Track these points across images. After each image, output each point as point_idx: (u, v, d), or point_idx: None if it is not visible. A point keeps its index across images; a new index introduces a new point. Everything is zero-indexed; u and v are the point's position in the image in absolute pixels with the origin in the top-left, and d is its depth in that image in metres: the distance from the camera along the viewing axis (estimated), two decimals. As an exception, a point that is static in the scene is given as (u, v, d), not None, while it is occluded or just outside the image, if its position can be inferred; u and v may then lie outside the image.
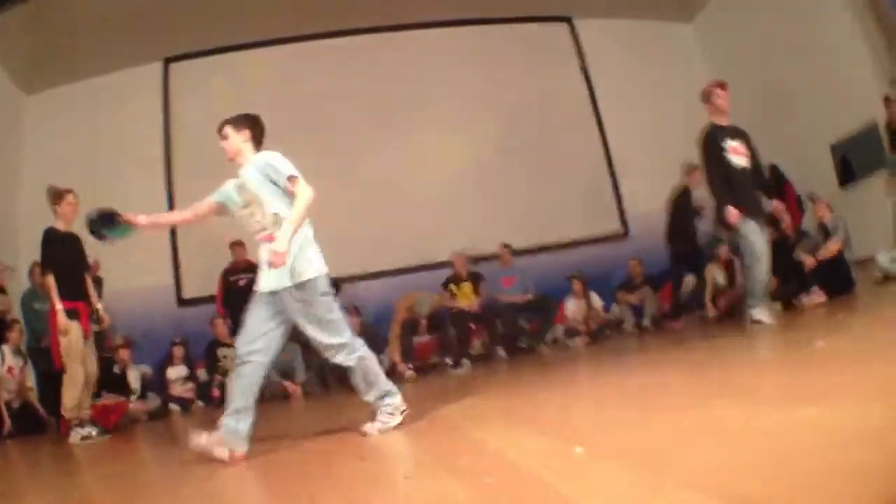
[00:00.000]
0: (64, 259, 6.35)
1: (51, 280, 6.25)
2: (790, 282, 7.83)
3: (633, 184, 11.52)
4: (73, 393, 6.29)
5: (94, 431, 6.28)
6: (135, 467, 4.87)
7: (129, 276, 9.76)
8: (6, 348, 7.82)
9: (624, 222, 11.69)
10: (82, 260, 6.64)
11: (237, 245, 9.53)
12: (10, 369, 7.81)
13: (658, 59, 12.01)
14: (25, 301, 8.80)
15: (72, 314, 6.30)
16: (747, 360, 4.79)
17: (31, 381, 8.23)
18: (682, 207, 9.24)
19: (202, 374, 9.03)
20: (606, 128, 11.93)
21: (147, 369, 9.08)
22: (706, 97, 6.90)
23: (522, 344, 9.50)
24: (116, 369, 8.27)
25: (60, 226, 6.43)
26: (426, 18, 11.79)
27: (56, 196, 6.43)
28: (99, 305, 6.69)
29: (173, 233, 10.65)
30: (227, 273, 9.54)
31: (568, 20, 12.34)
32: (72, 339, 6.27)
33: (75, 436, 6.21)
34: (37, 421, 7.82)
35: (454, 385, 7.15)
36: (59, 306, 6.21)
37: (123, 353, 8.48)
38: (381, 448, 3.70)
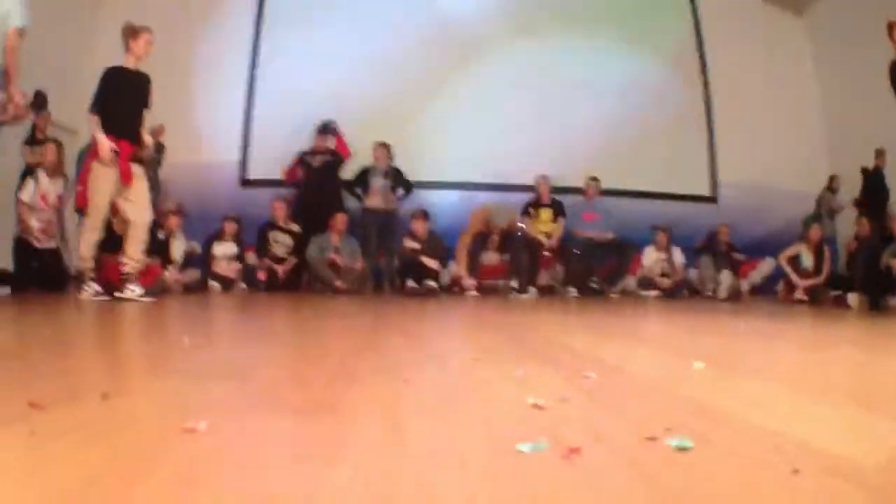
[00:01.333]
0: (119, 95, 5.68)
1: (94, 117, 5.59)
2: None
3: (729, 152, 10.85)
4: (88, 240, 5.69)
5: (138, 291, 5.66)
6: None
7: (194, 150, 9.34)
8: (41, 171, 7.16)
9: (714, 188, 10.97)
10: (143, 99, 5.94)
11: (321, 132, 9.12)
12: (43, 197, 7.16)
13: (771, 43, 11.29)
14: (81, 157, 8.31)
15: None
16: None
17: (73, 219, 7.63)
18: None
19: (251, 256, 8.38)
20: (712, 90, 11.14)
21: (196, 246, 8.52)
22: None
23: (594, 285, 8.81)
24: (161, 235, 7.67)
25: (130, 62, 5.78)
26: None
27: (133, 31, 5.77)
28: (146, 136, 6.02)
29: (248, 108, 10.15)
30: (304, 154, 9.06)
31: None
32: (97, 182, 5.66)
33: (87, 291, 5.60)
34: (57, 273, 7.19)
35: (524, 305, 6.56)
36: (101, 136, 5.54)
37: (172, 221, 7.84)
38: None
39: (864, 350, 3.52)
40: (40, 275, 6.87)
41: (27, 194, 6.99)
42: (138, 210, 5.81)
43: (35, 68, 8.09)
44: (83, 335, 3.45)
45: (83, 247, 5.72)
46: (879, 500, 0.95)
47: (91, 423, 1.28)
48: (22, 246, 6.95)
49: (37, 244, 7.00)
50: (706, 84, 11.14)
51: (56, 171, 7.34)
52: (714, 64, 11.16)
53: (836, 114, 10.71)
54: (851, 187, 9.60)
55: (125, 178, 5.68)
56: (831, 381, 2.34)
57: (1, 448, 1.12)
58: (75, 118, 8.78)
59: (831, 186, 10.01)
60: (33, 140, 7.76)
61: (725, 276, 9.00)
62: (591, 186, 9.38)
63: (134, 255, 5.72)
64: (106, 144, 5.52)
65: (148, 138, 6.01)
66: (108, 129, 5.58)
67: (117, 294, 5.59)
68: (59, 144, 7.56)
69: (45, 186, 7.08)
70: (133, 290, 5.61)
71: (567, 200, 9.37)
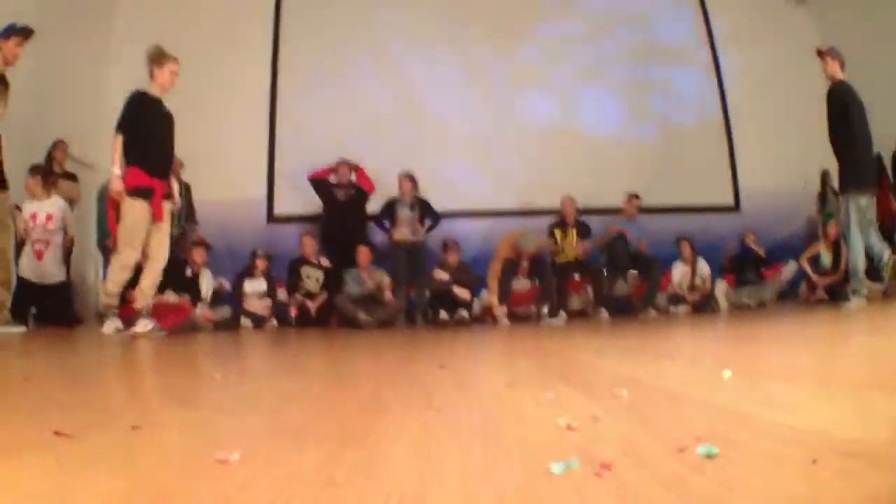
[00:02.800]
0: (147, 126, 5.71)
1: (118, 142, 5.58)
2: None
3: (750, 159, 10.82)
4: (119, 277, 5.73)
5: (151, 325, 5.69)
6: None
7: (221, 186, 9.39)
8: (27, 199, 7.14)
9: (736, 196, 10.94)
10: (169, 135, 6.01)
11: (342, 164, 9.15)
12: (33, 216, 7.12)
13: (782, 38, 11.17)
14: (102, 194, 8.39)
15: (143, 193, 5.68)
16: None
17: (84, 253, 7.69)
18: None
19: (281, 293, 8.41)
20: (728, 97, 11.14)
21: (225, 282, 8.56)
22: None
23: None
24: (189, 272, 7.72)
25: (155, 91, 5.82)
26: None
27: (159, 57, 5.80)
28: (175, 186, 6.06)
29: (272, 145, 10.27)
30: (330, 184, 9.13)
31: None
32: (134, 219, 5.67)
33: (109, 326, 5.64)
34: (64, 308, 7.23)
35: (556, 331, 6.49)
36: (117, 171, 5.56)
37: (198, 255, 7.86)
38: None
39: (882, 337, 3.69)
40: (49, 313, 6.94)
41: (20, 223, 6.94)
42: (159, 247, 5.85)
43: (50, 102, 8.28)
44: (112, 368, 3.47)
45: (112, 284, 5.75)
46: (893, 475, 1.01)
47: (120, 453, 1.29)
48: (22, 285, 6.88)
49: (36, 280, 7.04)
50: (721, 87, 11.16)
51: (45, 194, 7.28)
52: (728, 67, 11.20)
53: None
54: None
55: (158, 217, 5.73)
56: (849, 371, 2.41)
57: (27, 476, 1.12)
58: (93, 153, 8.94)
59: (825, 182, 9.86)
60: (50, 174, 7.83)
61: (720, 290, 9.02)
62: (630, 204, 9.35)
63: (148, 289, 5.77)
64: (117, 186, 5.55)
65: (177, 191, 6.07)
66: (142, 164, 5.61)
67: (132, 330, 5.62)
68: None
69: (33, 207, 7.09)
70: (146, 325, 5.63)
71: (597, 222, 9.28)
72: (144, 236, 5.76)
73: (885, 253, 6.78)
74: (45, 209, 7.23)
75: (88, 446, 1.33)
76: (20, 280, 6.90)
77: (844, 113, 6.68)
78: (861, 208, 6.63)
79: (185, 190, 8.61)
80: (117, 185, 5.57)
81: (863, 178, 6.72)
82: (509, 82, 10.75)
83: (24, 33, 5.76)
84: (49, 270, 7.20)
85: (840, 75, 6.86)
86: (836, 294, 8.13)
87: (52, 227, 7.22)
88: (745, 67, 10.96)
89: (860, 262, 6.70)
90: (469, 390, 2.34)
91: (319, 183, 9.12)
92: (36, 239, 7.13)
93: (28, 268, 7.08)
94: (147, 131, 5.73)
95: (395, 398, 2.09)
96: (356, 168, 9.18)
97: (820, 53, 6.99)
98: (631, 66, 11.11)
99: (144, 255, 5.86)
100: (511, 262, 8.31)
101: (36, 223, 7.15)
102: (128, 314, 5.99)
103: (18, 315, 6.35)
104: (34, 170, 7.25)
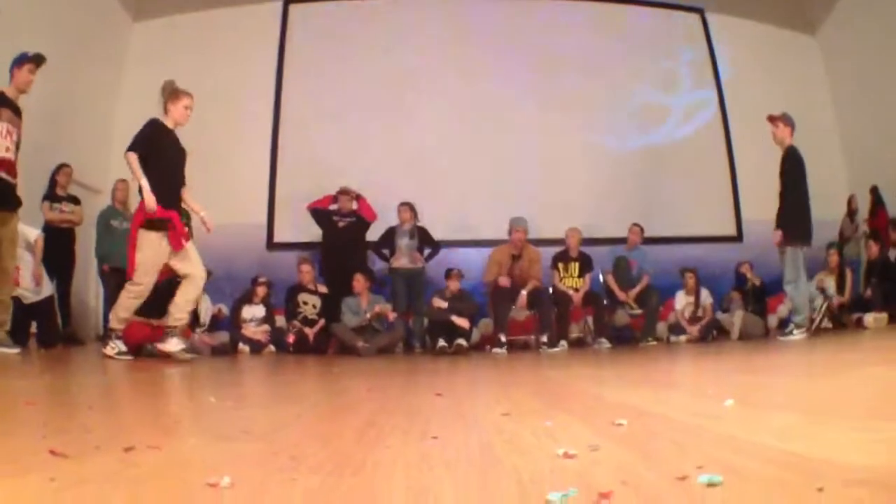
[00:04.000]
0: (164, 155, 5.69)
1: (134, 158, 5.52)
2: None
3: (752, 190, 10.77)
4: (132, 305, 5.70)
5: (182, 345, 5.69)
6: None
7: (222, 212, 9.28)
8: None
9: (739, 226, 10.99)
10: (181, 168, 5.98)
11: (343, 193, 9.15)
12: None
13: (784, 68, 11.36)
14: (102, 218, 8.45)
15: (159, 224, 5.65)
16: None
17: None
18: None
19: (279, 319, 8.40)
20: (731, 128, 11.24)
21: (224, 308, 8.55)
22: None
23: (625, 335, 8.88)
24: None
25: (169, 124, 5.82)
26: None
27: (173, 93, 5.80)
28: (203, 213, 6.01)
29: (273, 172, 10.32)
30: (330, 212, 9.11)
31: (700, 11, 11.67)
32: (153, 251, 5.67)
33: (112, 349, 5.59)
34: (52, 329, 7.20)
35: (555, 360, 6.51)
36: (144, 183, 5.52)
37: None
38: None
39: (884, 366, 3.70)
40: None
41: None
42: (194, 265, 5.85)
43: (59, 128, 8.32)
44: (109, 391, 3.46)
45: (123, 310, 5.70)
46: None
47: (113, 474, 1.27)
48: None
49: (25, 300, 6.91)
50: (725, 119, 11.23)
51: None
52: (732, 97, 11.26)
53: (852, 133, 10.73)
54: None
55: (177, 248, 5.70)
56: (853, 400, 2.41)
57: (20, 494, 1.11)
58: (100, 178, 8.96)
59: (850, 209, 10.07)
60: (53, 197, 7.81)
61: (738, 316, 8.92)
62: (633, 232, 9.38)
63: (184, 304, 5.75)
64: (152, 198, 5.53)
65: (210, 222, 6.05)
66: (157, 196, 5.57)
67: (159, 346, 5.58)
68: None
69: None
70: (177, 344, 5.60)
71: (599, 252, 9.33)
72: (159, 267, 5.76)
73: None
74: (32, 234, 7.11)
75: (83, 467, 1.31)
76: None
77: (801, 175, 7.26)
78: (804, 257, 7.27)
79: (186, 218, 8.63)
80: (151, 202, 5.54)
81: (809, 232, 7.35)
82: (510, 113, 10.82)
83: (37, 61, 5.83)
84: (24, 289, 7.01)
85: (789, 140, 7.37)
86: (841, 320, 8.48)
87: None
88: (749, 99, 10.92)
89: (806, 302, 7.35)
90: (466, 419, 2.32)
91: (319, 213, 9.13)
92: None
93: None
94: (162, 160, 5.71)
95: (391, 426, 2.07)
96: (358, 197, 9.18)
97: (772, 119, 7.47)
98: (636, 100, 11.22)
99: (182, 275, 5.86)
100: (505, 290, 8.29)
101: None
102: (134, 338, 5.99)
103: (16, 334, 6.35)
104: None
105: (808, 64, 11.46)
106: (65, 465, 1.30)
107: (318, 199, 9.20)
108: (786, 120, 7.44)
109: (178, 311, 5.78)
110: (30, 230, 7.00)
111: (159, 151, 5.66)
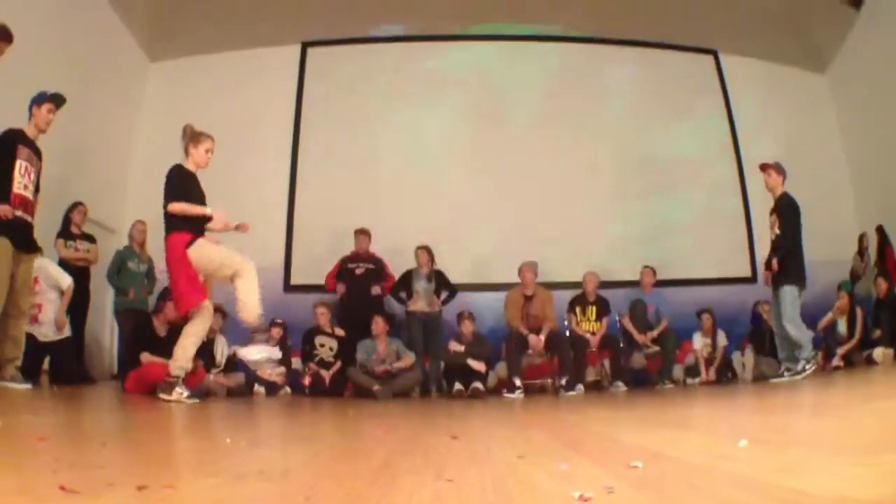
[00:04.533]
0: (191, 200, 5.65)
1: (181, 205, 5.53)
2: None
3: (766, 230, 10.66)
4: (194, 349, 5.63)
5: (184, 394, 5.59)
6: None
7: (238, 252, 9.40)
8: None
9: (753, 266, 10.93)
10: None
11: (361, 233, 9.20)
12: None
13: (795, 107, 11.48)
14: (118, 259, 8.44)
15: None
16: None
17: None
18: None
19: (296, 361, 8.40)
20: (745, 169, 11.22)
21: (240, 349, 8.55)
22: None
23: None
24: (204, 338, 7.71)
25: (191, 167, 5.84)
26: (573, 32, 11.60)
27: (194, 136, 5.82)
28: (233, 223, 5.98)
29: (290, 215, 10.39)
30: (346, 259, 9.17)
31: (714, 53, 11.81)
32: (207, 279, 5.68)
33: (178, 393, 5.43)
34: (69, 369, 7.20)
35: (571, 403, 6.47)
36: (204, 209, 5.63)
37: (213, 321, 7.86)
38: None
39: (893, 400, 3.78)
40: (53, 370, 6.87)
41: None
42: (241, 267, 5.75)
43: (75, 166, 8.41)
44: (123, 429, 3.46)
45: (189, 351, 5.60)
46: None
47: (126, 514, 1.26)
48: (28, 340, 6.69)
49: (42, 338, 6.93)
50: (739, 160, 11.27)
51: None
52: (744, 138, 11.32)
53: (862, 171, 10.71)
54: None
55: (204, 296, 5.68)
56: (864, 435, 2.39)
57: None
58: (115, 218, 9.02)
59: (861, 247, 10.10)
60: (67, 234, 7.83)
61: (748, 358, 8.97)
62: (645, 274, 9.41)
63: (191, 350, 5.63)
64: (224, 215, 5.70)
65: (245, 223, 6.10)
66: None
67: (162, 396, 5.50)
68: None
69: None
70: (182, 391, 5.53)
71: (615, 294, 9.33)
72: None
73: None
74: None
75: (93, 504, 1.31)
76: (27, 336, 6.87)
77: (798, 220, 7.43)
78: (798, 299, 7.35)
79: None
80: (225, 218, 5.73)
81: (804, 275, 7.47)
82: (527, 158, 10.90)
83: (56, 101, 5.91)
84: (44, 330, 7.07)
85: (781, 188, 7.57)
86: (852, 359, 8.55)
87: (38, 289, 6.98)
88: (763, 142, 10.99)
89: (808, 336, 7.35)
90: (482, 461, 2.30)
91: (339, 272, 9.20)
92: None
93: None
94: (194, 201, 5.70)
95: (406, 468, 2.05)
96: (381, 262, 9.27)
97: (764, 168, 7.67)
98: (649, 142, 11.26)
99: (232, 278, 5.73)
100: (520, 336, 8.26)
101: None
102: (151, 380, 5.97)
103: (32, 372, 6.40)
104: None
105: (818, 102, 11.53)
106: (76, 502, 1.30)
107: (331, 268, 9.34)
108: (777, 168, 7.63)
109: (184, 355, 5.58)
110: (63, 276, 7.08)
111: (187, 197, 5.65)
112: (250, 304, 5.58)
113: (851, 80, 10.96)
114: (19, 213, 5.67)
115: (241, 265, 5.62)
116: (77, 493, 1.35)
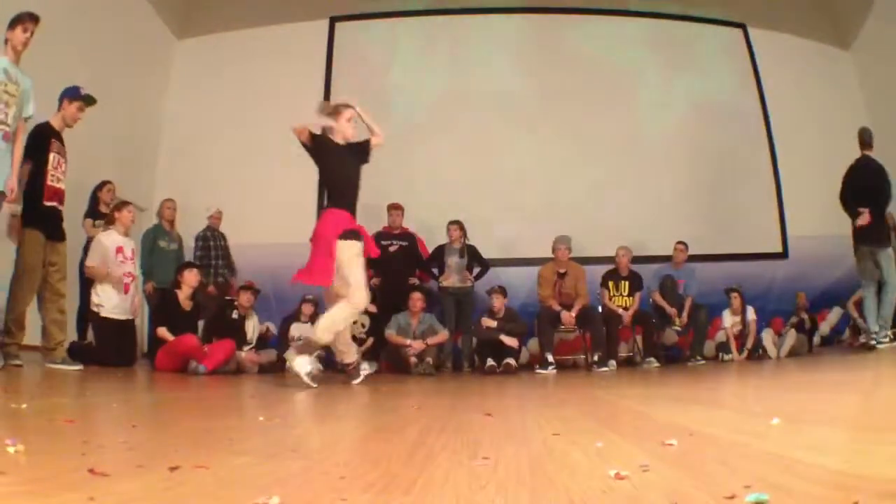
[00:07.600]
0: (337, 168, 5.96)
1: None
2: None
3: (797, 207, 10.83)
4: (346, 318, 5.63)
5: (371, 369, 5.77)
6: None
7: (270, 231, 9.49)
8: (111, 229, 7.25)
9: (784, 242, 10.87)
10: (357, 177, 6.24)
11: (394, 208, 9.12)
12: (120, 249, 7.18)
13: (821, 81, 11.34)
14: (147, 238, 8.49)
15: (356, 234, 5.66)
16: None
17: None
18: None
19: (328, 337, 8.40)
20: (776, 143, 11.16)
21: (272, 326, 8.60)
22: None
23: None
24: (235, 314, 7.76)
25: (338, 139, 5.90)
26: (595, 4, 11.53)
27: (336, 109, 5.95)
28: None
29: (321, 191, 10.39)
30: (379, 237, 8.86)
31: (743, 27, 11.67)
32: (360, 261, 5.63)
33: (366, 371, 5.88)
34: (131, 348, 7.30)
35: (604, 379, 6.43)
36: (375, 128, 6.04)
37: (245, 298, 7.92)
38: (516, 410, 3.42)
39: None
40: (114, 349, 6.92)
41: (96, 256, 7.01)
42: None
43: (103, 145, 8.46)
44: (154, 409, 3.47)
45: (336, 325, 5.55)
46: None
47: (156, 494, 1.25)
48: (95, 319, 7.00)
49: (120, 316, 7.07)
50: (770, 136, 11.11)
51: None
52: (775, 114, 11.15)
53: (889, 144, 10.54)
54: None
55: (374, 253, 5.96)
56: (891, 414, 2.40)
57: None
58: (143, 196, 9.06)
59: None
60: (94, 214, 7.85)
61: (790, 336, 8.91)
62: (678, 251, 9.29)
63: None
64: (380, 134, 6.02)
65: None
66: (348, 208, 5.84)
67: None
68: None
69: (119, 240, 7.15)
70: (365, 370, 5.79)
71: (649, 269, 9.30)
72: None
73: None
74: (129, 245, 7.38)
75: (125, 486, 1.30)
76: (92, 315, 7.03)
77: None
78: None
79: (223, 239, 8.68)
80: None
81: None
82: (559, 132, 10.84)
83: (88, 101, 6.17)
84: (129, 306, 7.26)
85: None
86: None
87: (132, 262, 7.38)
88: (794, 118, 10.92)
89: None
90: (518, 439, 2.28)
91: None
92: (126, 272, 7.19)
93: (109, 303, 7.06)
94: (341, 174, 5.96)
95: (441, 446, 2.03)
96: (415, 238, 9.21)
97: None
98: (682, 119, 11.16)
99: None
100: (552, 312, 8.22)
101: (125, 256, 7.24)
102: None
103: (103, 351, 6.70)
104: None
105: (843, 77, 11.38)
106: (105, 484, 1.29)
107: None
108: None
109: (329, 327, 5.48)
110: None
111: (332, 166, 5.94)
112: (325, 328, 5.45)
113: (874, 56, 10.82)
114: (55, 204, 5.97)
115: (357, 296, 5.46)
116: (107, 476, 1.35)
